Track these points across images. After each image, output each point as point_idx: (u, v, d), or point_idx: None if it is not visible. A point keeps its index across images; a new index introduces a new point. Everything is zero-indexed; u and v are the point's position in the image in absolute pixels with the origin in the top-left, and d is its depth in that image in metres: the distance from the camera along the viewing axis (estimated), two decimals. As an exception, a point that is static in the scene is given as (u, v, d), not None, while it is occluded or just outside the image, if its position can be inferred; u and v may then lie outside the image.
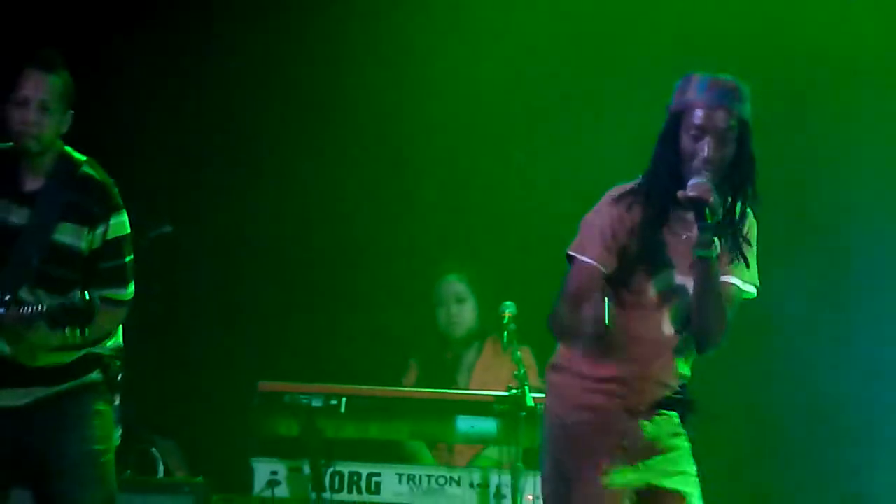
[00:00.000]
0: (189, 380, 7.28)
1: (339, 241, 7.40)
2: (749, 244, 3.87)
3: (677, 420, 3.90)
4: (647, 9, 7.15)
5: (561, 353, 3.97)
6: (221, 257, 7.46)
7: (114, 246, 4.51)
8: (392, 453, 6.43)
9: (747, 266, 3.89)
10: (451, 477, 5.86)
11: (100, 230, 4.47)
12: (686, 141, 3.75)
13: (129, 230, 4.57)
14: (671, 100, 3.87)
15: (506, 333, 5.53)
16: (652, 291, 3.83)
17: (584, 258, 3.81)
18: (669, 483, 3.84)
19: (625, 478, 3.82)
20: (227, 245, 7.45)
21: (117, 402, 4.72)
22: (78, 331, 4.30)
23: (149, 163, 7.09)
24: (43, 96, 4.40)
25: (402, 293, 7.10)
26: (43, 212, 4.45)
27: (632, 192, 3.85)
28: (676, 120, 3.78)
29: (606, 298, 3.86)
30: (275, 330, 7.41)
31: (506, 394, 5.57)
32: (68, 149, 4.53)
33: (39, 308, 4.27)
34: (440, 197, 7.37)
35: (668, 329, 3.87)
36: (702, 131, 3.74)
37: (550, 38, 7.19)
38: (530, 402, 5.36)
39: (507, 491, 5.58)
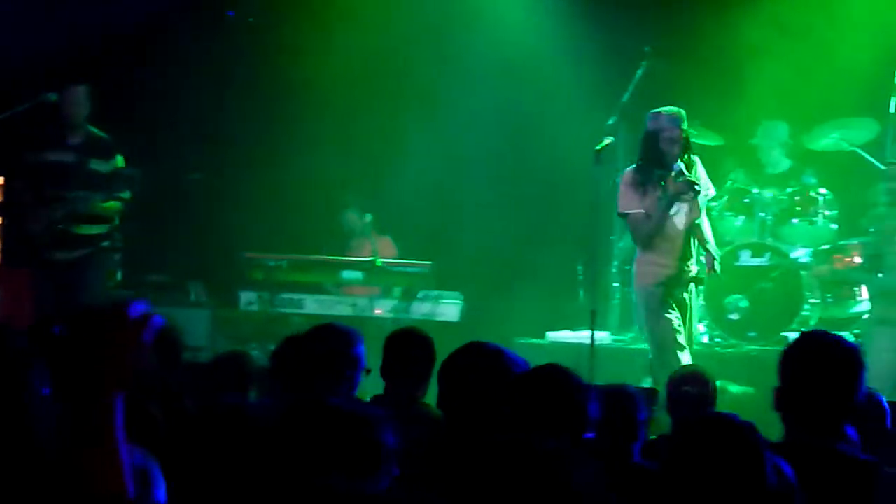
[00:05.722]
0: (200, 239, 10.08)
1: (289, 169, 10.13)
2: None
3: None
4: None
5: (638, 254, 7.24)
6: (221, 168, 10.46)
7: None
8: (311, 288, 9.46)
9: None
10: (341, 300, 9.33)
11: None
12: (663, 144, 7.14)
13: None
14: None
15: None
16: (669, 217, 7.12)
17: (632, 210, 7.13)
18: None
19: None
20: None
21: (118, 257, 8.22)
22: None
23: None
24: None
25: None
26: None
27: (634, 171, 7.25)
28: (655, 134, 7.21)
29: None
30: (253, 215, 10.07)
31: (365, 259, 9.23)
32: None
33: None
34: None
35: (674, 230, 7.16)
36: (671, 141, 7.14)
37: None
38: (379, 264, 9.22)
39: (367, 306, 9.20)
